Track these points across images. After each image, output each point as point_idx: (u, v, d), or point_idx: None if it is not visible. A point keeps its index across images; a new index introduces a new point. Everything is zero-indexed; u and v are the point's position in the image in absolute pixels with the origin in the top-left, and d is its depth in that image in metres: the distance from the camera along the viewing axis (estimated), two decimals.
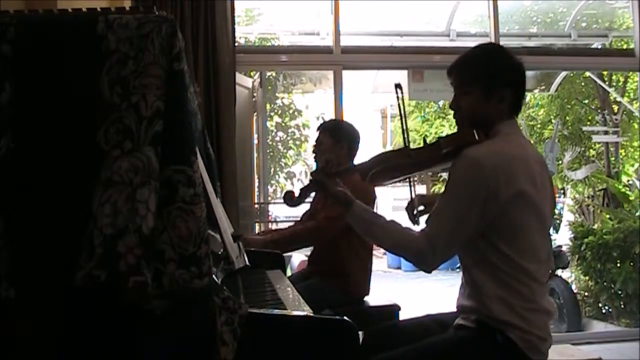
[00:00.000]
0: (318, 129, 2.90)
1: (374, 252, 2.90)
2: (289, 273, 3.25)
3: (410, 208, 1.86)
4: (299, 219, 3.05)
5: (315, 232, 2.63)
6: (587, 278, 5.02)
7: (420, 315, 1.84)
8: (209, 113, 3.37)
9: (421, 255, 1.52)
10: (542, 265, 1.58)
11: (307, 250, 3.13)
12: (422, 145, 1.68)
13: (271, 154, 7.06)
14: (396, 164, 1.67)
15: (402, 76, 4.23)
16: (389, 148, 12.38)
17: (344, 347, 1.21)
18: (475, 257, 1.56)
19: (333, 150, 2.76)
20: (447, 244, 1.51)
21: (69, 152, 1.18)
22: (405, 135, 1.70)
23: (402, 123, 1.72)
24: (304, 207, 3.04)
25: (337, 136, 2.78)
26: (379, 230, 1.62)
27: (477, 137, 1.57)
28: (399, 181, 1.84)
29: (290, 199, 1.80)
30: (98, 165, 1.14)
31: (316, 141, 2.86)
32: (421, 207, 1.90)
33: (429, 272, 1.59)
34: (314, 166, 2.96)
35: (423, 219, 1.84)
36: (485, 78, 1.61)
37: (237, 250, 1.78)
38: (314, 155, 2.89)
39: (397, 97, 1.73)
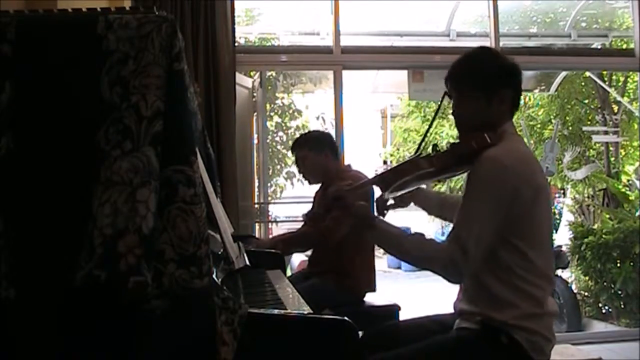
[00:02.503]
0: (293, 150, 2.88)
1: (375, 251, 2.89)
2: (289, 273, 3.25)
3: (381, 201, 1.84)
4: (299, 218, 3.06)
5: (326, 232, 2.62)
6: (587, 278, 5.02)
7: (421, 316, 1.84)
8: (209, 113, 3.38)
9: (453, 262, 1.47)
10: (551, 260, 1.63)
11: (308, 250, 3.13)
12: (431, 152, 1.67)
13: (271, 154, 7.06)
14: (419, 175, 1.63)
15: (402, 76, 4.23)
16: (389, 148, 12.39)
17: (343, 347, 1.21)
18: (491, 262, 1.53)
19: (318, 160, 2.76)
20: (477, 247, 1.48)
21: (69, 152, 1.17)
22: (423, 143, 1.70)
23: (424, 136, 1.71)
24: (304, 208, 3.04)
25: (317, 147, 2.78)
26: (406, 242, 1.57)
27: (489, 139, 1.57)
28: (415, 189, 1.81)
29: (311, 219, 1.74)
30: (98, 165, 1.14)
31: (298, 160, 2.84)
32: (391, 202, 1.88)
33: (460, 281, 1.54)
34: (306, 183, 2.96)
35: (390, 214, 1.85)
36: (487, 81, 1.62)
37: (237, 250, 1.78)
38: (301, 174, 2.88)
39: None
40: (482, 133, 1.58)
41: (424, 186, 1.96)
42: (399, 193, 1.75)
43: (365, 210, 1.65)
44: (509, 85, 1.64)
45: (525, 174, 1.53)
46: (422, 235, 1.62)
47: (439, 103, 1.74)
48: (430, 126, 1.76)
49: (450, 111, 1.70)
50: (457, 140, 1.68)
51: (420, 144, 1.72)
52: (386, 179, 1.68)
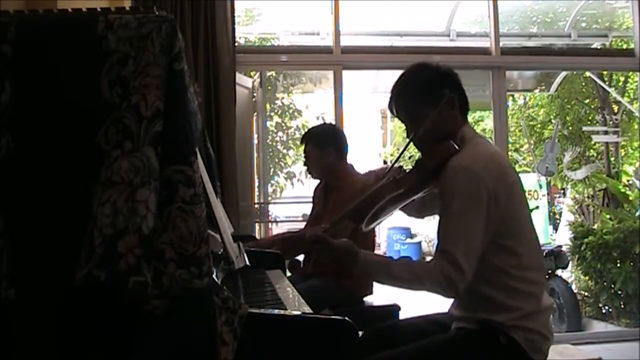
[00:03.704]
0: (302, 141, 2.88)
1: (374, 251, 2.89)
2: (288, 273, 3.25)
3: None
4: (299, 218, 3.06)
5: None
6: (587, 278, 5.02)
7: (420, 315, 1.84)
8: (209, 113, 3.37)
9: (448, 278, 1.46)
10: (540, 251, 1.64)
11: None
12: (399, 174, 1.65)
13: (271, 154, 7.06)
14: (389, 200, 1.61)
15: None
16: (389, 148, 12.38)
17: (343, 347, 1.21)
18: (482, 268, 1.51)
19: (321, 157, 2.75)
20: (468, 258, 1.47)
21: (69, 152, 1.18)
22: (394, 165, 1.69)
23: (395, 161, 1.69)
24: (304, 208, 3.05)
25: (321, 143, 2.75)
26: (395, 267, 1.54)
27: (454, 146, 1.57)
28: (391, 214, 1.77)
29: (297, 269, 1.71)
30: (98, 166, 1.14)
31: (304, 152, 2.85)
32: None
33: (457, 295, 1.51)
34: (306, 183, 2.97)
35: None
36: (430, 90, 1.62)
37: (237, 250, 1.78)
38: (305, 167, 2.88)
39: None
40: (445, 141, 1.58)
41: None
42: (377, 222, 1.71)
43: (347, 246, 1.60)
44: (450, 88, 1.64)
45: (497, 175, 1.53)
46: (408, 257, 1.62)
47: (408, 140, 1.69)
48: (401, 152, 1.73)
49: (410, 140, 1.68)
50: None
51: (391, 167, 1.70)
52: (359, 211, 1.65)
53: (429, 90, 1.63)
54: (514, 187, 1.56)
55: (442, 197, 1.56)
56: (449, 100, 1.62)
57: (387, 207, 1.65)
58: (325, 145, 2.74)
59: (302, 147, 2.85)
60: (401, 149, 1.71)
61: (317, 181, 2.98)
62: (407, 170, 1.62)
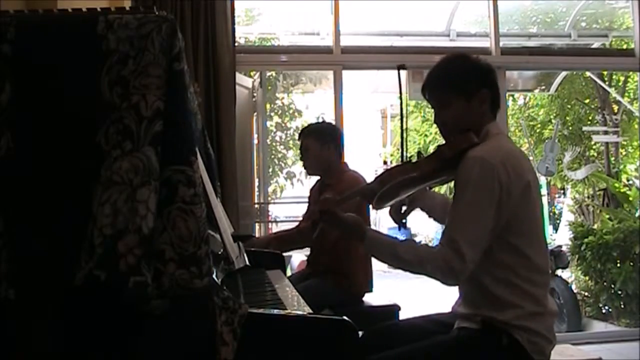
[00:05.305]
0: (300, 136, 2.89)
1: None
2: (289, 273, 3.25)
3: (395, 210, 1.82)
4: (299, 218, 3.06)
5: (315, 242, 2.61)
6: (587, 278, 5.03)
7: (420, 316, 1.84)
8: (209, 113, 3.37)
9: (449, 265, 1.46)
10: (547, 256, 1.63)
11: (307, 250, 3.13)
12: (417, 158, 1.66)
13: (271, 154, 7.06)
14: (402, 181, 1.61)
15: (402, 76, 4.22)
16: (389, 148, 12.40)
17: (343, 347, 1.21)
18: (488, 263, 1.52)
19: (321, 153, 2.76)
20: (473, 248, 1.47)
21: (69, 152, 1.18)
22: (404, 150, 1.69)
23: (401, 138, 1.70)
24: (304, 208, 3.05)
25: (322, 139, 2.77)
26: (400, 248, 1.55)
27: (474, 137, 1.58)
28: (405, 198, 1.78)
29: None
30: (98, 166, 1.14)
31: (301, 147, 2.85)
32: (404, 207, 1.85)
33: (457, 284, 1.51)
34: (306, 183, 2.96)
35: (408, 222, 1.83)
36: (463, 84, 1.63)
37: (237, 250, 1.78)
38: (302, 162, 2.88)
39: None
40: (467, 132, 1.59)
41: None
42: (387, 204, 1.72)
43: (355, 221, 1.63)
44: (486, 85, 1.64)
45: (512, 171, 1.52)
46: (413, 241, 1.62)
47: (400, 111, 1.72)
48: (402, 132, 1.74)
49: (437, 125, 1.70)
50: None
51: (402, 153, 1.70)
52: (371, 189, 1.66)
53: (464, 81, 1.63)
54: (529, 187, 1.55)
55: (456, 186, 1.57)
56: (481, 95, 1.62)
57: (399, 190, 1.66)
58: (325, 141, 2.76)
59: (300, 142, 2.86)
60: (401, 149, 1.71)
61: (315, 180, 2.99)
62: (427, 155, 1.62)
